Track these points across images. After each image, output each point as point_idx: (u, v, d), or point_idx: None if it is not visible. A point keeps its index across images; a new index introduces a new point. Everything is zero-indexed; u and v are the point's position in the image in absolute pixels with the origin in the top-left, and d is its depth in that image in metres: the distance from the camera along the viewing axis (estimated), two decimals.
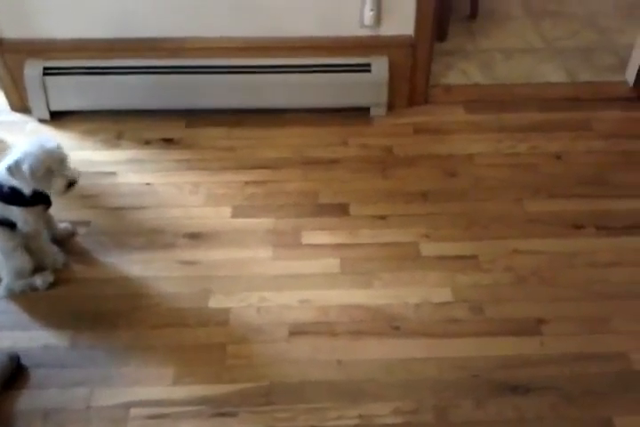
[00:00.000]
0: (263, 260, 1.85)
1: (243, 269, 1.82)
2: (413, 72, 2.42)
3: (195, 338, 1.63)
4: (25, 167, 1.56)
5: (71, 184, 1.65)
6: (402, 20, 2.25)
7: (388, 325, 1.65)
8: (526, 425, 1.43)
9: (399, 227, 1.95)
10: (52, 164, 1.61)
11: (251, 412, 1.44)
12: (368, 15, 2.20)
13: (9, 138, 2.34)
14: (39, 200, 1.68)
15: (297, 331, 1.63)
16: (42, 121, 2.42)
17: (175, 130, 2.38)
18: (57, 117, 2.42)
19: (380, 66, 2.35)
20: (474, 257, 1.84)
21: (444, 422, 1.44)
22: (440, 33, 2.86)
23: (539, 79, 2.65)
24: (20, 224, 1.67)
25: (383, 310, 1.69)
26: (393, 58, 2.36)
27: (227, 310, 1.69)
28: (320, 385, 1.51)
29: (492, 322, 1.66)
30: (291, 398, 1.48)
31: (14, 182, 1.59)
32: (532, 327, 1.64)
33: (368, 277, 1.78)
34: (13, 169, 1.56)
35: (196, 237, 1.93)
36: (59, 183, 1.63)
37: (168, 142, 2.33)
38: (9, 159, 1.58)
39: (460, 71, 2.72)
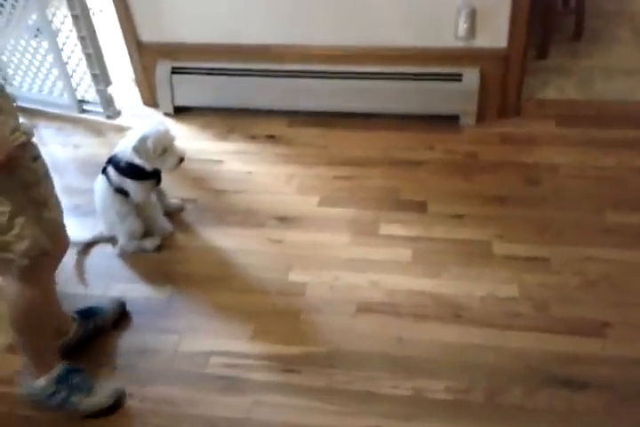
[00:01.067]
0: (341, 244, 1.99)
1: (321, 250, 1.97)
2: (505, 84, 2.47)
3: (273, 304, 1.80)
4: (149, 146, 1.83)
5: (181, 161, 1.92)
6: (495, 33, 2.33)
7: (452, 312, 1.72)
8: (575, 418, 1.44)
9: (474, 226, 2.01)
10: (166, 143, 1.87)
11: (315, 371, 1.58)
12: (462, 27, 2.30)
13: (136, 125, 2.64)
14: (150, 176, 1.95)
15: (364, 308, 1.75)
16: (167, 115, 2.74)
17: (278, 128, 2.61)
18: (179, 112, 2.74)
19: (472, 76, 2.43)
20: (545, 260, 1.86)
21: (493, 404, 1.48)
22: (541, 51, 2.89)
23: (637, 98, 2.60)
24: (131, 194, 1.95)
25: (448, 298, 1.76)
26: (485, 69, 2.43)
27: (304, 284, 1.85)
28: (379, 357, 1.61)
29: (555, 320, 1.67)
30: (351, 364, 1.60)
31: (134, 159, 1.86)
32: (596, 330, 1.63)
33: (437, 269, 1.86)
34: (139, 148, 1.83)
35: (284, 220, 2.11)
36: (172, 160, 1.89)
37: (271, 138, 2.56)
38: (131, 140, 1.85)
39: (557, 87, 2.72)
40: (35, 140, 1.33)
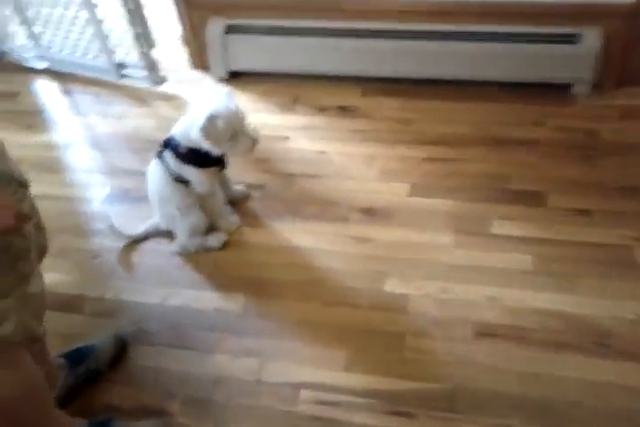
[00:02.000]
0: (443, 246, 1.62)
1: (421, 253, 1.61)
2: (629, 47, 2.01)
3: (368, 321, 1.46)
4: (220, 127, 1.45)
5: (254, 144, 1.54)
6: None
7: (595, 340, 1.36)
8: None
9: (606, 226, 1.62)
10: (237, 124, 1.49)
11: (431, 417, 1.25)
12: None
13: (186, 93, 2.31)
14: (214, 161, 1.59)
15: (483, 331, 1.40)
16: (220, 79, 2.35)
17: (351, 98, 2.20)
18: (234, 77, 2.34)
19: (591, 37, 1.97)
20: None
21: None
22: None
23: None
24: (194, 184, 1.59)
25: (588, 322, 1.40)
26: (607, 29, 1.98)
27: (404, 297, 1.50)
28: (511, 398, 1.27)
29: None
30: (477, 408, 1.26)
31: (200, 144, 1.48)
32: None
33: (568, 281, 1.49)
34: (208, 129, 1.45)
35: (370, 212, 1.75)
36: (245, 143, 1.52)
37: (343, 110, 2.16)
38: (195, 119, 1.47)
39: None
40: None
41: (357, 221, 1.72)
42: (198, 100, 1.57)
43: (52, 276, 1.61)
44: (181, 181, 1.59)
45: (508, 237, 1.62)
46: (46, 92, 2.44)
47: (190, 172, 1.57)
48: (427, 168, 1.88)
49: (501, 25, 2.06)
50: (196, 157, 1.53)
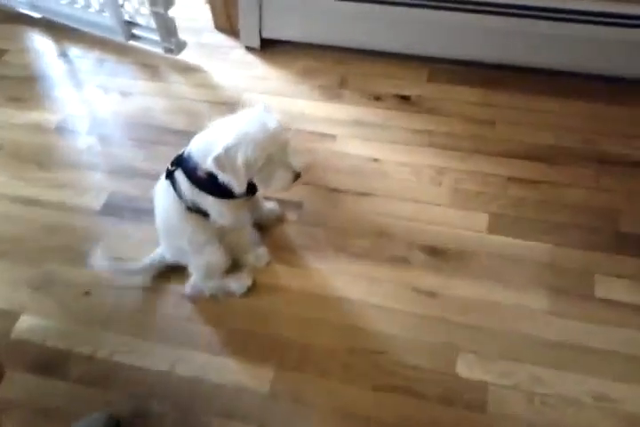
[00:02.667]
0: (535, 312, 1.23)
1: (505, 320, 1.22)
2: None
3: (434, 421, 1.10)
4: (240, 158, 1.02)
5: (296, 178, 1.11)
6: None
7: None
8: None
9: None
10: (274, 151, 1.05)
11: None
12: None
13: (208, 64, 1.84)
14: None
15: None
16: (249, 49, 1.87)
17: (414, 84, 1.73)
18: (268, 47, 1.86)
19: None
20: None
21: None
22: None
23: None
24: (213, 216, 1.18)
25: None
26: None
27: (482, 387, 1.13)
28: None
29: None
30: None
31: (218, 175, 1.07)
32: None
33: None
34: (223, 160, 1.02)
35: (437, 253, 1.35)
36: (283, 177, 1.08)
37: (404, 101, 1.69)
38: (218, 139, 1.03)
39: None
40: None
41: (421, 264, 1.33)
42: (233, 119, 1.08)
43: (31, 320, 1.27)
44: (197, 210, 1.20)
45: (618, 305, 1.22)
46: (39, 52, 1.96)
47: (209, 201, 1.16)
48: (513, 192, 1.45)
49: (620, 4, 1.55)
50: (216, 185, 1.11)
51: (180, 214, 1.19)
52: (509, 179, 1.47)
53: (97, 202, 1.49)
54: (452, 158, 1.53)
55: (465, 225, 1.39)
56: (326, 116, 1.66)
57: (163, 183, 1.19)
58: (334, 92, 1.73)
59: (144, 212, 1.45)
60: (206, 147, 1.08)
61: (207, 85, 1.78)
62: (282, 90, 1.74)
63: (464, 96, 1.68)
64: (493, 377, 1.14)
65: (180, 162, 1.14)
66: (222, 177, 1.06)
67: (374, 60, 1.78)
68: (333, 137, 1.61)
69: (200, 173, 1.11)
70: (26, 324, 1.27)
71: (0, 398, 1.16)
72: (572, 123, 1.57)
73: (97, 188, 1.53)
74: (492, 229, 1.37)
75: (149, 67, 1.87)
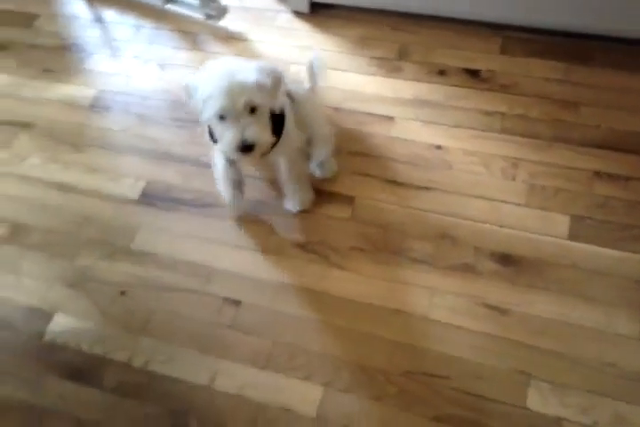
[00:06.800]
0: (622, 337, 1.02)
1: (586, 345, 1.02)
2: None
3: None
4: (197, 97, 0.95)
5: (244, 148, 0.93)
6: None
7: None
8: None
9: None
10: (227, 107, 0.91)
11: None
12: None
13: (252, 32, 1.59)
14: None
15: None
16: (298, 14, 1.61)
17: (484, 56, 1.45)
18: (318, 11, 1.59)
19: None
20: None
21: None
22: None
23: None
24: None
25: None
26: None
27: (556, 423, 0.95)
28: None
29: None
30: None
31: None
32: None
33: None
34: (188, 90, 0.97)
35: (509, 262, 1.13)
36: (228, 140, 0.94)
37: (472, 76, 1.42)
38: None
39: None
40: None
41: (490, 274, 1.12)
42: (210, 61, 0.97)
43: (66, 321, 1.15)
44: None
45: None
46: (73, 17, 1.75)
47: None
48: (600, 190, 1.20)
49: None
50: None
51: None
52: (596, 174, 1.22)
53: (133, 190, 1.33)
54: (528, 147, 1.28)
55: (542, 229, 1.16)
56: (383, 93, 1.42)
57: None
58: (393, 64, 1.47)
59: (183, 202, 1.29)
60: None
61: (251, 56, 1.55)
62: (333, 62, 1.50)
63: (543, 72, 1.40)
64: (570, 413, 0.96)
65: None
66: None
67: (439, 28, 1.50)
68: (391, 119, 1.37)
69: None
70: (60, 325, 1.15)
71: (34, 404, 1.08)
72: None
73: (134, 174, 1.36)
74: (575, 234, 1.15)
75: (188, 34, 1.63)
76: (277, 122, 1.03)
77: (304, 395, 1.03)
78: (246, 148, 0.93)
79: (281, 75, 0.98)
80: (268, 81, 0.93)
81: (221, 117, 0.94)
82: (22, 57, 1.64)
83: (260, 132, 0.93)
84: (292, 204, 1.24)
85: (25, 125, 1.49)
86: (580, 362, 1.01)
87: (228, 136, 0.93)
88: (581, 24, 1.40)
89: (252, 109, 0.92)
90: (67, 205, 1.33)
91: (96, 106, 1.51)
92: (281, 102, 1.03)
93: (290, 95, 1.12)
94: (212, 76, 0.93)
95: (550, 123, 1.31)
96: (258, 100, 0.91)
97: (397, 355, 1.05)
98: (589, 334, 1.04)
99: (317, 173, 1.27)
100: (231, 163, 1.16)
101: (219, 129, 0.96)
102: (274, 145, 1.04)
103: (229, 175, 1.18)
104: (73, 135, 1.46)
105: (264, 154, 1.03)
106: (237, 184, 1.20)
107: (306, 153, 1.22)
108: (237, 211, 1.26)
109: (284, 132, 1.06)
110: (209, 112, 0.93)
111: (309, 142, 1.21)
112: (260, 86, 0.92)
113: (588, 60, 1.40)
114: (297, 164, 1.18)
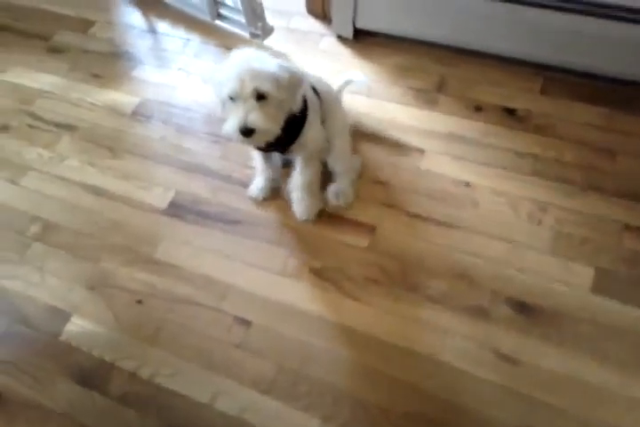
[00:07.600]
0: (636, 402, 0.97)
1: (594, 406, 0.97)
2: None
3: None
4: (216, 79, 1.02)
5: (245, 132, 0.97)
6: None
7: None
8: None
9: None
10: (235, 90, 0.97)
11: None
12: None
13: (295, 52, 1.60)
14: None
15: None
16: (341, 39, 1.62)
17: (524, 95, 1.42)
18: (362, 38, 1.59)
19: None
20: None
21: None
22: None
23: None
24: None
25: None
26: None
27: None
28: None
29: None
30: None
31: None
32: None
33: None
34: (209, 75, 1.05)
35: (526, 310, 1.10)
36: (230, 122, 0.99)
37: (509, 115, 1.40)
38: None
39: None
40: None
41: (504, 320, 1.09)
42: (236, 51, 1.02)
43: (82, 323, 1.17)
44: None
45: None
46: (128, 25, 1.81)
47: None
48: (629, 244, 1.15)
49: None
50: None
51: None
52: (627, 227, 1.18)
53: (162, 200, 1.35)
54: (559, 192, 1.25)
55: (564, 278, 1.13)
56: (417, 124, 1.41)
57: None
58: (429, 96, 1.46)
59: (209, 216, 1.31)
60: None
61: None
62: (370, 89, 1.50)
63: (583, 116, 1.36)
64: None
65: None
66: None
67: (480, 64, 1.48)
68: (422, 151, 1.36)
69: None
70: (76, 327, 1.18)
71: (42, 404, 1.10)
72: None
73: (165, 183, 1.38)
74: (597, 288, 1.11)
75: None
76: (297, 122, 1.08)
77: (301, 426, 1.02)
78: (247, 131, 0.97)
79: (301, 76, 1.02)
80: (284, 76, 0.98)
81: (232, 99, 0.99)
82: (75, 61, 1.70)
83: (261, 118, 0.97)
84: (297, 212, 1.25)
85: (69, 128, 1.54)
86: (588, 424, 0.97)
87: (232, 118, 0.99)
88: (630, 71, 1.36)
89: (261, 96, 0.97)
90: (97, 208, 1.37)
91: (138, 113, 1.55)
92: (299, 103, 1.06)
93: (316, 91, 1.17)
94: (232, 62, 0.99)
95: (584, 169, 1.27)
96: (267, 88, 0.96)
97: (399, 394, 1.03)
98: (602, 394, 0.99)
99: (332, 200, 1.26)
100: (266, 158, 1.25)
101: (227, 110, 1.02)
102: (294, 141, 1.10)
103: (265, 159, 1.27)
104: (112, 140, 1.50)
105: (280, 147, 1.11)
106: (272, 166, 1.28)
107: (322, 159, 1.23)
108: (260, 191, 1.31)
109: (305, 127, 1.10)
110: (222, 93, 0.99)
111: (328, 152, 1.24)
112: (273, 78, 0.96)
113: (631, 108, 1.35)
114: (311, 165, 1.19)
